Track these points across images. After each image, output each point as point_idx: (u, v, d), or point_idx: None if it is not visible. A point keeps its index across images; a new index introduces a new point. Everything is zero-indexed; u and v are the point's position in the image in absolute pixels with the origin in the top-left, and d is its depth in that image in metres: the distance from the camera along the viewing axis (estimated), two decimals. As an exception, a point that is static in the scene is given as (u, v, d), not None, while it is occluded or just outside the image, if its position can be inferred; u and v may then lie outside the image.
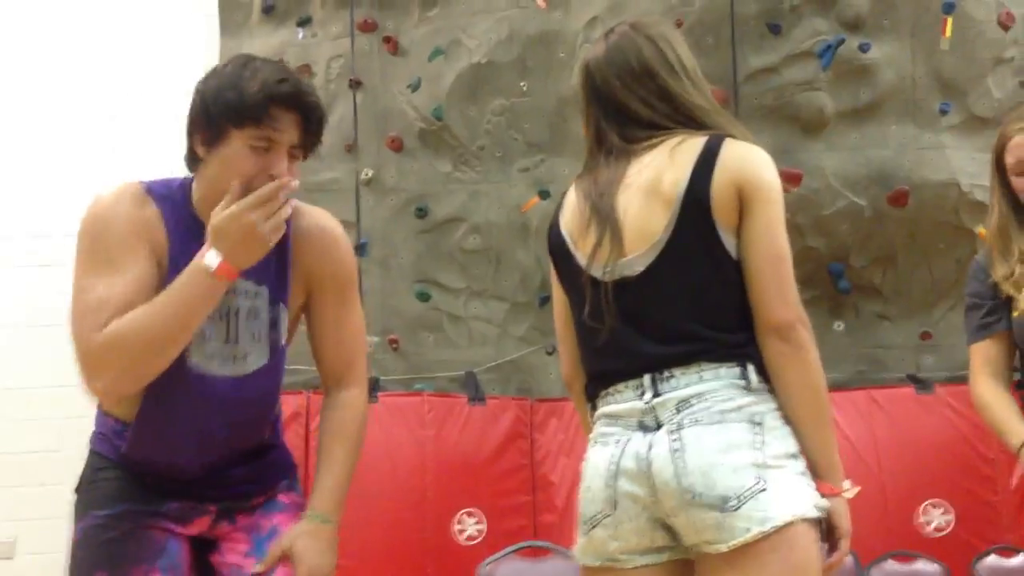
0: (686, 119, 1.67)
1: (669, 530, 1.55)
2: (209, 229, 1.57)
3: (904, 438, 3.14)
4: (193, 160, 1.68)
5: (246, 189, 1.58)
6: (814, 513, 1.50)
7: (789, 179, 3.34)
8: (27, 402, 4.44)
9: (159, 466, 1.68)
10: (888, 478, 3.08)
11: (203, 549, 1.73)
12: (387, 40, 3.87)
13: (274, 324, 1.72)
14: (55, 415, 4.29)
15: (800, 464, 1.54)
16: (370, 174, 3.81)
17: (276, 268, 1.70)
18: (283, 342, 1.74)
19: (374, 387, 3.46)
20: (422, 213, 3.78)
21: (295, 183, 1.61)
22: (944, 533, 3.06)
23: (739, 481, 1.47)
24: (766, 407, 1.54)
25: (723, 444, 1.49)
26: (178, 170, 1.78)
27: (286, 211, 1.59)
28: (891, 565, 2.97)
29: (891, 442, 3.14)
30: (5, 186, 4.93)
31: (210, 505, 1.71)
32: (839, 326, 3.43)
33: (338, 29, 3.95)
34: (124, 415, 1.68)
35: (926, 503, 3.07)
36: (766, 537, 1.45)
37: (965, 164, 3.30)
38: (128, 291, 1.57)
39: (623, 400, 1.60)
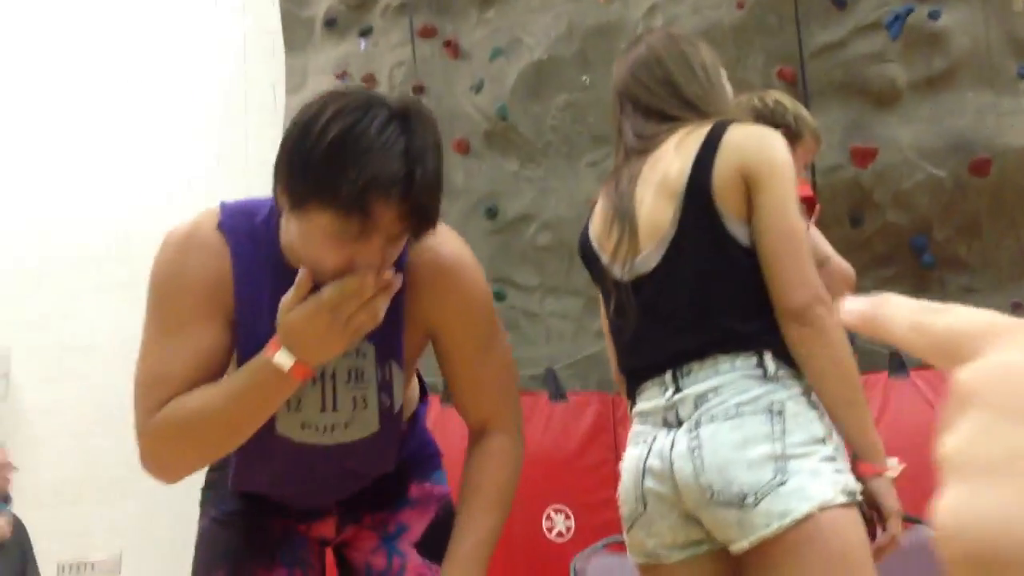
0: (689, 107, 1.64)
1: (702, 524, 1.52)
2: (278, 325, 1.28)
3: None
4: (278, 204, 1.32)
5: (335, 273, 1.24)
6: (841, 499, 1.43)
7: (864, 155, 3.27)
8: (129, 422, 4.60)
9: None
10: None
11: (342, 548, 1.66)
12: (447, 44, 3.90)
13: (384, 387, 1.43)
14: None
15: (828, 448, 1.48)
16: (439, 178, 3.85)
17: (386, 320, 1.35)
18: (397, 407, 1.45)
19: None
20: (492, 213, 3.80)
21: (392, 278, 1.26)
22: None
23: (756, 476, 1.43)
24: (786, 393, 1.49)
25: (739, 439, 1.46)
26: (243, 186, 1.61)
27: (382, 303, 1.27)
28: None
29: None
30: (88, 210, 5.10)
31: (331, 511, 1.60)
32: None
33: (399, 37, 3.99)
34: None
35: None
36: (790, 530, 1.40)
37: (1049, 127, 3.19)
38: (190, 366, 1.35)
39: (650, 397, 1.60)
